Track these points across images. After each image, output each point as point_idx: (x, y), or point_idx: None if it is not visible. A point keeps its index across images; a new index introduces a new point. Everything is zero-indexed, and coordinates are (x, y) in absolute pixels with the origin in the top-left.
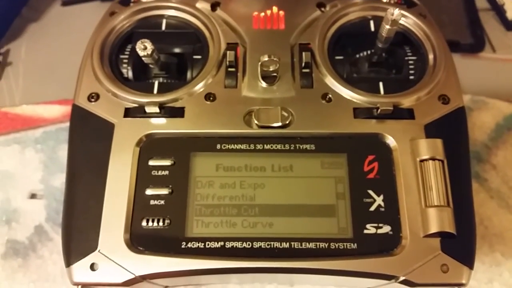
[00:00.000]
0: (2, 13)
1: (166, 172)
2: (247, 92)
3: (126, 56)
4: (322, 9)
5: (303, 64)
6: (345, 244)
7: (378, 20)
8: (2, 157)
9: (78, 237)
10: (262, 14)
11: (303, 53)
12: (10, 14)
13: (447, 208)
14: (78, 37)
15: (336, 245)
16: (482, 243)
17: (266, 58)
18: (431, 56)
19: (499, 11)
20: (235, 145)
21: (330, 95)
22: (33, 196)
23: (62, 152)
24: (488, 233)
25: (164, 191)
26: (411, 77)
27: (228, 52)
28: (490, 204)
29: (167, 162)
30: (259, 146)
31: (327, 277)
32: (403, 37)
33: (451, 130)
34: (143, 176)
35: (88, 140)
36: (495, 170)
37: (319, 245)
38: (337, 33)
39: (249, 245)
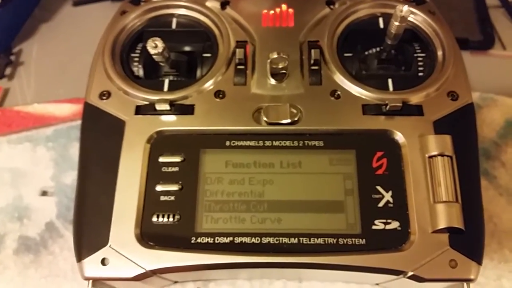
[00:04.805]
0: (15, 14)
1: (176, 169)
2: (256, 89)
3: (137, 55)
4: (331, 6)
5: (312, 61)
6: (353, 239)
7: (387, 17)
8: (14, 155)
9: (89, 233)
10: (271, 12)
11: (312, 51)
12: (22, 14)
13: (456, 204)
14: (89, 37)
15: (345, 241)
16: (491, 240)
17: (275, 56)
18: (440, 53)
19: (509, 8)
20: (244, 142)
21: (339, 92)
22: (44, 193)
23: (73, 150)
24: (497, 230)
25: (174, 187)
26: (420, 73)
27: (237, 50)
28: (499, 201)
29: (177, 159)
30: (268, 143)
31: (336, 273)
32: (412, 34)
33: (460, 126)
34: (154, 173)
35: (100, 137)
36: (504, 167)
37: (328, 240)
38: (346, 31)
39: (258, 240)
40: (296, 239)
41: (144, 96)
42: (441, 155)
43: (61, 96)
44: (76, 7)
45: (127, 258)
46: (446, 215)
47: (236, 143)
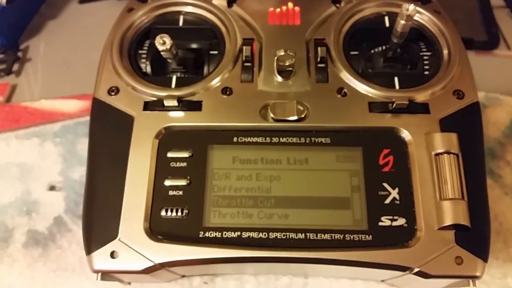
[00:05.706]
0: (22, 11)
1: (184, 164)
2: (263, 86)
3: (145, 51)
4: (337, 5)
5: (318, 59)
6: (360, 235)
7: (393, 16)
8: (22, 150)
9: (99, 226)
10: (278, 10)
11: (319, 48)
12: (29, 11)
13: (462, 201)
14: (95, 34)
15: (351, 237)
16: (497, 238)
17: (282, 53)
18: (445, 52)
19: None
20: (251, 138)
21: (345, 90)
22: (52, 188)
23: (81, 146)
24: (503, 229)
25: (183, 182)
26: (426, 72)
27: (244, 47)
28: (504, 200)
29: (185, 154)
30: (275, 139)
31: (342, 269)
32: (418, 33)
33: (465, 124)
34: (162, 168)
35: (109, 132)
36: (509, 166)
37: (334, 236)
38: (352, 29)
39: (265, 235)
40: (303, 234)
41: (152, 92)
42: (447, 152)
43: (68, 92)
44: (82, 4)
45: (136, 251)
46: (452, 212)
47: (244, 139)
